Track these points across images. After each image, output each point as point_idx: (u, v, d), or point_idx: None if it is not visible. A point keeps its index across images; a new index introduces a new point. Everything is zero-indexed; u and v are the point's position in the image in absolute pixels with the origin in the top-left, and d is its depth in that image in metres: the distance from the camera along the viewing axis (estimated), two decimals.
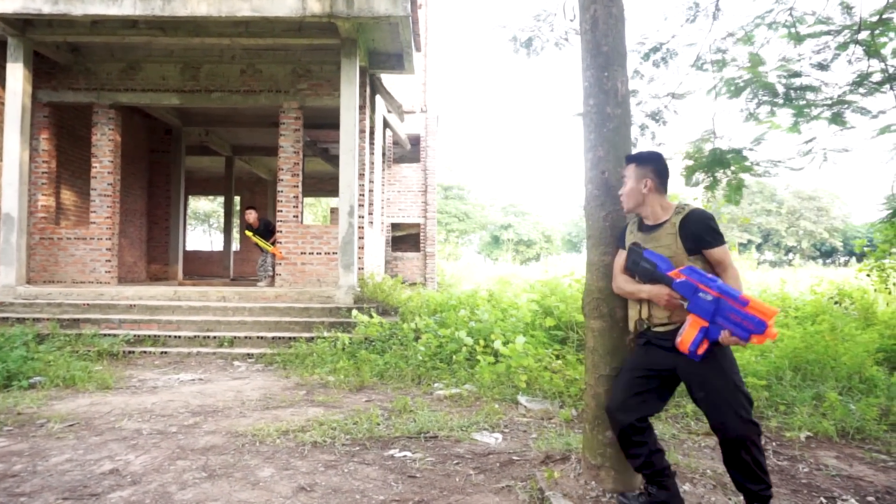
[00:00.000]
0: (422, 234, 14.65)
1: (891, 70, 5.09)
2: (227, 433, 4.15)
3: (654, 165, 2.80)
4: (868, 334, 5.98)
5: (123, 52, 10.02)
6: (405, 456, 3.72)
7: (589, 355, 3.16)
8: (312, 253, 10.00)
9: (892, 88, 5.21)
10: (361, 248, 10.18)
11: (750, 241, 48.37)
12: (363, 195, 10.50)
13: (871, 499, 3.17)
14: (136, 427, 4.29)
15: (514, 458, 3.66)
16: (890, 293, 7.18)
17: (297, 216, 10.14)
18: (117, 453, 3.72)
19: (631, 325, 2.87)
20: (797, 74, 5.34)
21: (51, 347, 6.68)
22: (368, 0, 8.13)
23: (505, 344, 5.79)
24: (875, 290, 7.49)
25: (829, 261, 46.29)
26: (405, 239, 15.91)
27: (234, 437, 4.05)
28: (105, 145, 9.97)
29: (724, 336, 2.44)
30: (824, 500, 3.13)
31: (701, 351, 2.50)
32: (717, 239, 2.62)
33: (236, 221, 20.27)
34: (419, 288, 12.74)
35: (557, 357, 5.72)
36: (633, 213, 2.91)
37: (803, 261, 38.71)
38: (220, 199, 45.50)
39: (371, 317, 7.20)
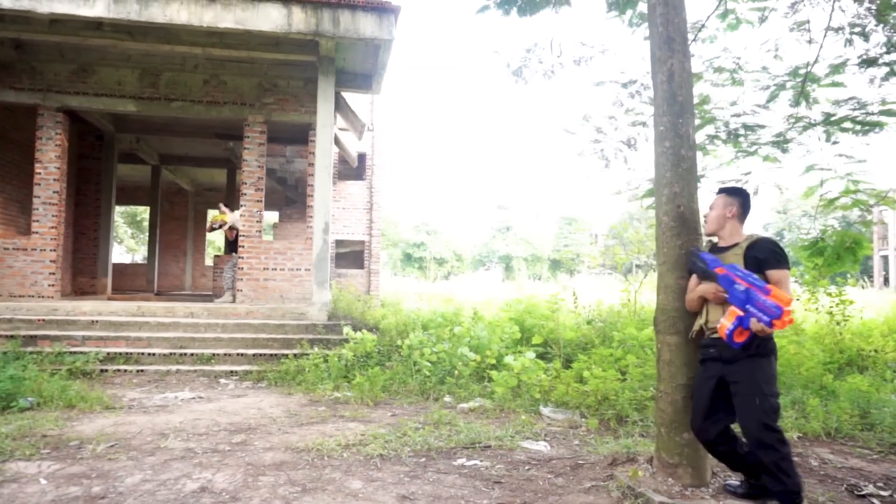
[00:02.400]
0: (367, 251, 14.70)
1: (819, 115, 6.05)
2: (287, 449, 4.17)
3: (741, 198, 3.32)
4: (810, 347, 6.88)
5: (75, 53, 9.45)
6: (475, 464, 3.94)
7: (665, 367, 3.56)
8: (276, 269, 9.85)
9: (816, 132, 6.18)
10: None
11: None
12: None
13: (880, 484, 3.80)
14: (184, 446, 4.19)
15: (580, 461, 3.99)
16: (818, 311, 8.25)
17: (259, 231, 9.97)
18: (190, 472, 3.65)
19: (695, 330, 3.32)
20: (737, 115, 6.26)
21: (17, 367, 6.19)
22: (354, 21, 8.29)
23: (514, 359, 6.11)
24: (805, 310, 8.56)
25: None
26: (346, 256, 15.87)
27: (296, 453, 4.08)
28: (51, 150, 9.32)
29: (753, 324, 2.86)
30: (848, 487, 3.71)
31: (738, 339, 2.92)
32: (779, 262, 3.03)
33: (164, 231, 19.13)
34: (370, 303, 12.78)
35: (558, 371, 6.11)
36: (710, 237, 3.41)
37: None
38: (127, 209, 42.58)
39: (362, 334, 7.27)
